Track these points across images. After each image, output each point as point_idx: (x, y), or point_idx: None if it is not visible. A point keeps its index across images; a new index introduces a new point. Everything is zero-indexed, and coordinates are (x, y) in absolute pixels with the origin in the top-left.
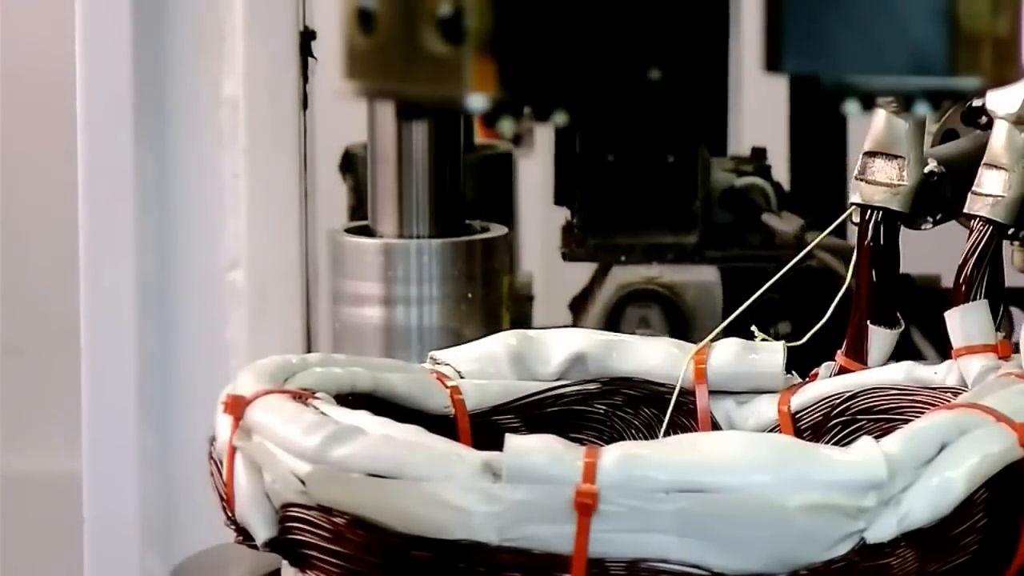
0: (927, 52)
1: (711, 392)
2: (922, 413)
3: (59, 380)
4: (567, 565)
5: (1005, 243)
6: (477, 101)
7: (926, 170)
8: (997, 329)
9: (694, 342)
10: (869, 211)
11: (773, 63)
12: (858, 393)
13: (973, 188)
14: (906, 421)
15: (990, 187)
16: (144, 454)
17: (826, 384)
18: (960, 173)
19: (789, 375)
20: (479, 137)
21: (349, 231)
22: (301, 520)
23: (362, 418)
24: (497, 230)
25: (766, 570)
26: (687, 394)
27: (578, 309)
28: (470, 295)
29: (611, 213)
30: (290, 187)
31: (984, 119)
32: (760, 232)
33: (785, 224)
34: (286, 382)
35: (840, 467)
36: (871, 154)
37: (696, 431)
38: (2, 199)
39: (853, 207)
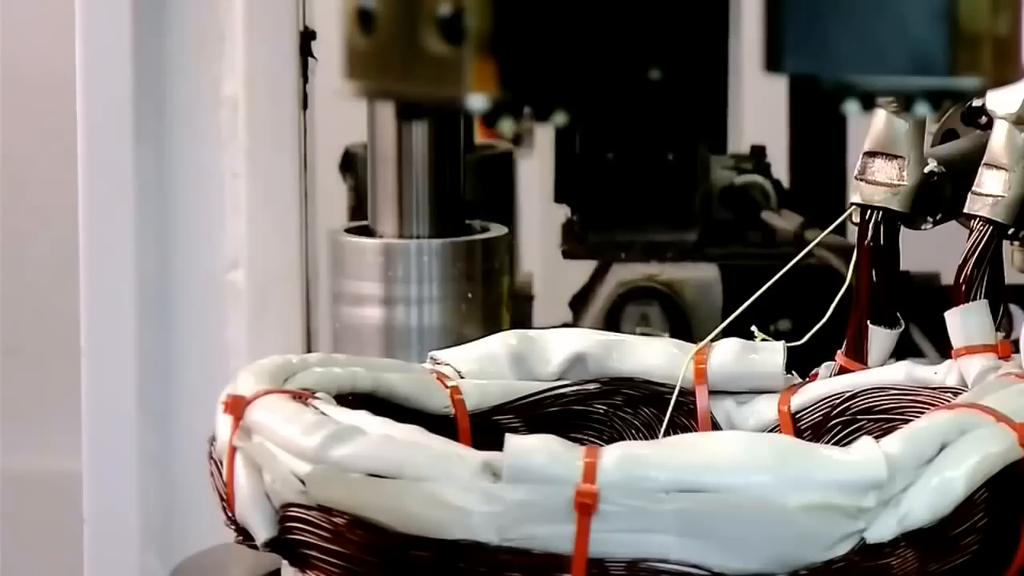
0: (927, 52)
1: (711, 392)
2: (922, 413)
3: (59, 380)
4: (567, 565)
5: (1005, 243)
6: (477, 101)
7: (926, 170)
8: (997, 329)
9: (694, 339)
10: (869, 211)
11: (773, 63)
12: (858, 393)
13: (973, 188)
14: (906, 421)
15: (990, 187)
16: (144, 454)
17: (826, 384)
18: (960, 173)
19: (789, 375)
20: (479, 137)
21: (349, 231)
22: (301, 520)
23: (362, 418)
24: (497, 230)
25: (766, 570)
26: (687, 394)
27: (578, 307)
28: (470, 295)
29: (611, 211)
30: (290, 187)
31: (984, 119)
32: (760, 230)
33: (785, 222)
34: (286, 382)
35: (840, 467)
36: (871, 154)
37: (696, 431)
38: (2, 199)
39: (853, 207)
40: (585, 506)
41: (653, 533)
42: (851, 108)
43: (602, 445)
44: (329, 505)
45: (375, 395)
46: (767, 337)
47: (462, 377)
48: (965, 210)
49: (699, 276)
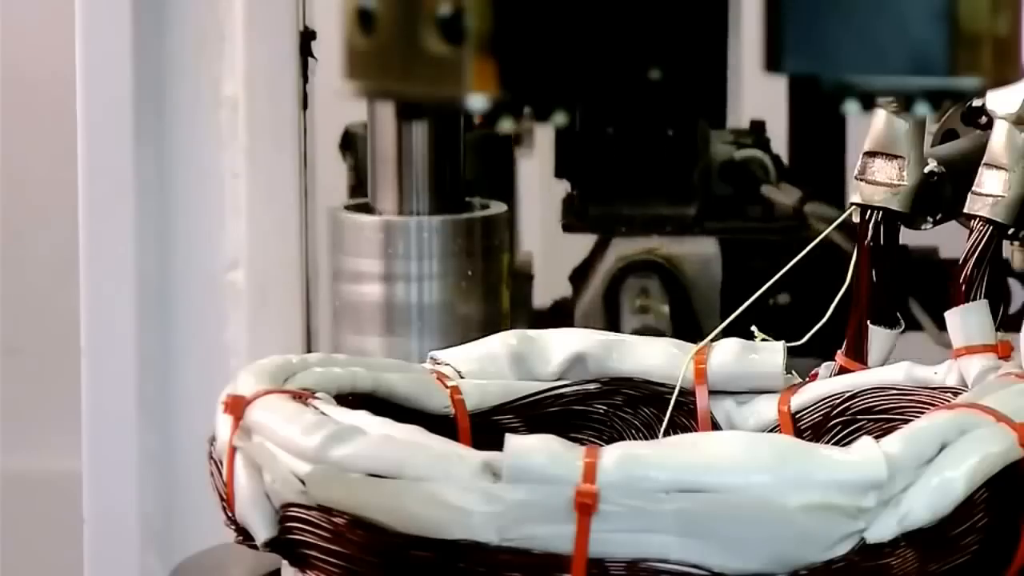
0: (927, 52)
1: (711, 392)
2: (922, 413)
3: (59, 380)
4: (567, 565)
5: (1005, 243)
6: (477, 101)
7: (926, 170)
8: (997, 328)
9: (694, 312)
10: (869, 211)
11: (773, 63)
12: (858, 393)
13: (973, 188)
14: (906, 421)
15: (990, 187)
16: (144, 454)
17: (826, 384)
18: (960, 173)
19: (789, 375)
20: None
21: (349, 208)
22: (301, 520)
23: (362, 418)
24: (497, 207)
25: (766, 570)
26: (687, 394)
27: (578, 282)
28: (470, 272)
29: (611, 185)
30: (290, 187)
31: (984, 119)
32: (759, 204)
33: (784, 196)
34: (286, 382)
35: (840, 467)
36: (871, 154)
37: (696, 431)
38: (2, 199)
39: (853, 207)
40: (585, 506)
41: (653, 533)
42: (851, 108)
43: (602, 445)
44: (329, 505)
45: (375, 395)
46: (767, 337)
47: (462, 377)
48: (965, 210)
49: (699, 250)
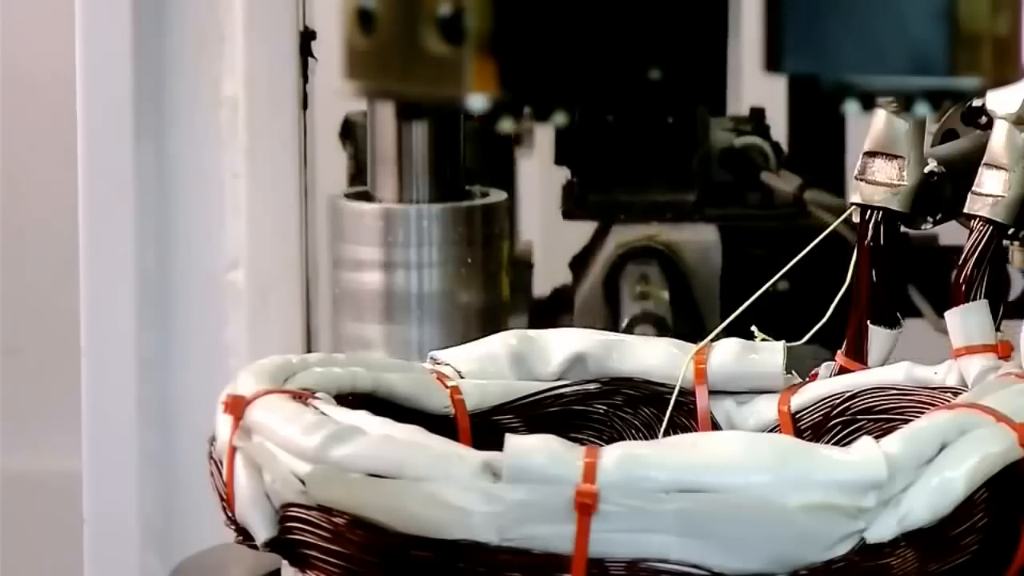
0: (927, 52)
1: (711, 392)
2: (922, 413)
3: (59, 380)
4: (567, 565)
5: (1005, 242)
6: (477, 101)
7: (926, 170)
8: (997, 328)
9: (693, 299)
10: (869, 211)
11: (773, 63)
12: (858, 393)
13: (973, 188)
14: (906, 421)
15: (990, 187)
16: (144, 454)
17: (826, 384)
18: (960, 173)
19: (789, 375)
20: None
21: (349, 196)
22: (301, 520)
23: (362, 418)
24: (497, 195)
25: (766, 570)
26: (687, 394)
27: (578, 268)
28: (470, 260)
29: (611, 172)
30: (290, 187)
31: (984, 119)
32: (759, 191)
33: (784, 183)
34: (286, 382)
35: (840, 467)
36: (871, 154)
37: (696, 431)
38: (2, 199)
39: (853, 207)
40: (585, 506)
41: (653, 533)
42: (851, 108)
43: (602, 445)
44: (329, 505)
45: (375, 395)
46: (767, 337)
47: (462, 377)
48: (965, 210)
49: (698, 237)
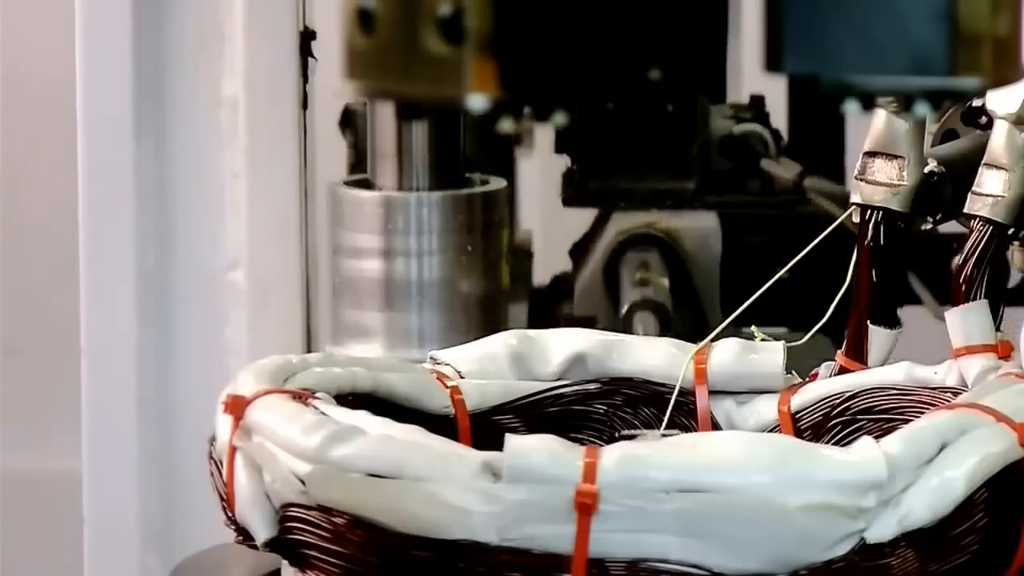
0: (927, 52)
1: (711, 392)
2: (922, 413)
3: (59, 380)
4: (567, 565)
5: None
6: (477, 101)
7: (926, 170)
8: (997, 328)
9: (693, 286)
10: (869, 211)
11: (773, 63)
12: (858, 393)
13: (973, 188)
14: (906, 421)
15: (990, 187)
16: (144, 454)
17: (826, 384)
18: (960, 173)
19: (789, 375)
20: None
21: (348, 184)
22: (301, 520)
23: (362, 418)
24: (497, 183)
25: (766, 570)
26: (687, 394)
27: (578, 256)
28: (470, 248)
29: (611, 160)
30: (290, 187)
31: (984, 119)
32: (759, 178)
33: (783, 170)
34: (286, 382)
35: (840, 467)
36: (871, 154)
37: (696, 431)
38: (2, 199)
39: (853, 207)
40: (585, 506)
41: (653, 533)
42: (851, 108)
43: (602, 445)
44: (329, 505)
45: (375, 395)
46: (767, 337)
47: (462, 377)
48: (965, 210)
49: (698, 224)
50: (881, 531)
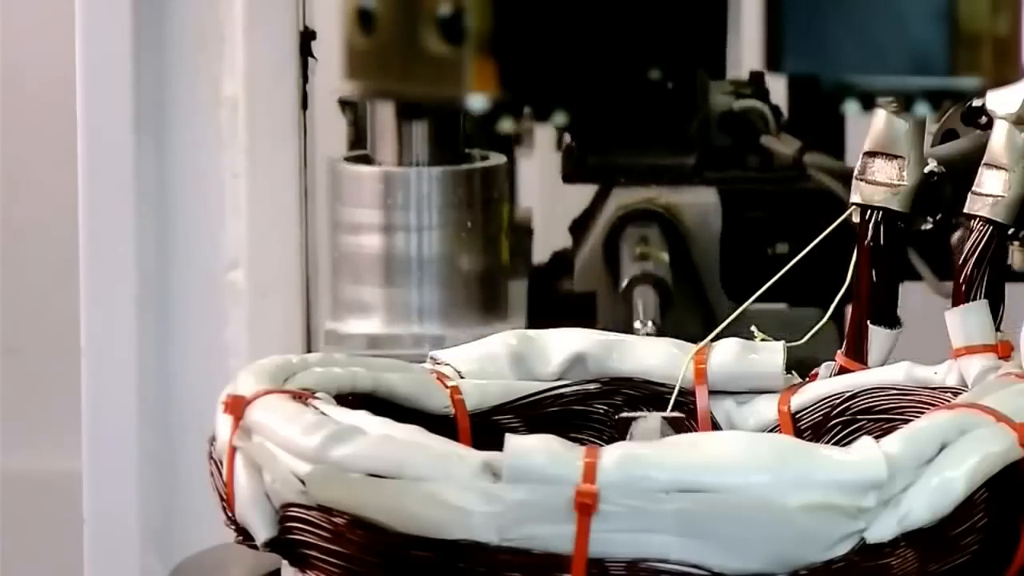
0: (927, 52)
1: (711, 392)
2: (922, 413)
3: (59, 380)
4: (567, 565)
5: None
6: (477, 101)
7: (926, 170)
8: (997, 328)
9: (693, 262)
10: (869, 211)
11: (773, 63)
12: (858, 393)
13: (973, 188)
14: (906, 421)
15: (990, 187)
16: (144, 454)
17: (826, 384)
18: (960, 173)
19: (789, 375)
20: None
21: (348, 160)
22: (301, 520)
23: (362, 418)
24: (496, 159)
25: (766, 570)
26: (687, 394)
27: (578, 232)
28: (469, 223)
29: (611, 136)
30: (290, 187)
31: (984, 119)
32: (758, 154)
33: (783, 146)
34: (286, 382)
35: (840, 467)
36: (871, 154)
37: (696, 431)
38: (2, 199)
39: (853, 207)
40: (585, 506)
41: (653, 533)
42: (851, 108)
43: (602, 445)
44: (329, 505)
45: (375, 395)
46: (767, 337)
47: (462, 377)
48: (965, 210)
49: (698, 200)
50: (881, 531)
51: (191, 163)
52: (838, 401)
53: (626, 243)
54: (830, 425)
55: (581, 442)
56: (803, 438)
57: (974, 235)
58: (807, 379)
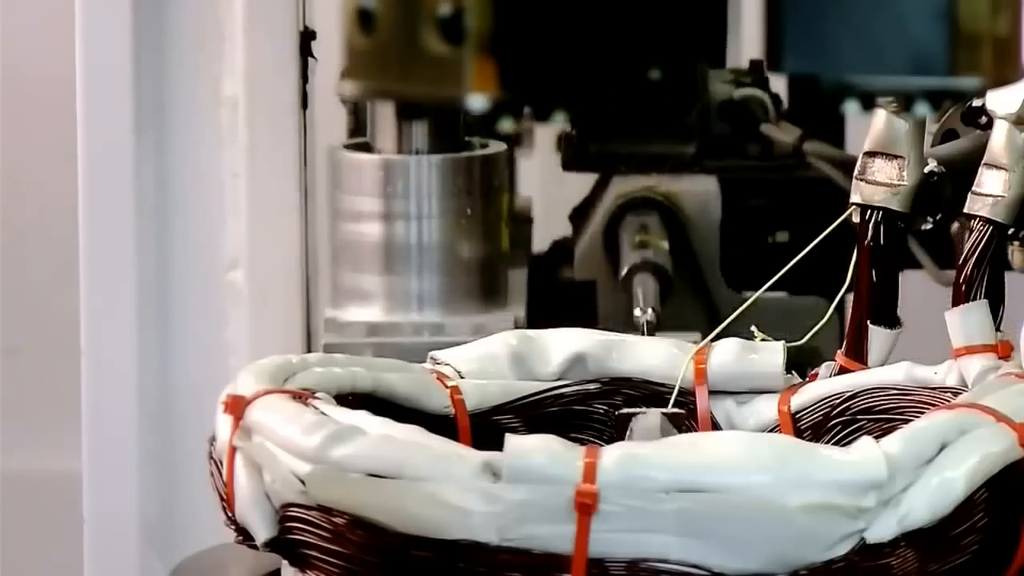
0: (927, 52)
1: (711, 392)
2: (922, 413)
3: (59, 380)
4: (567, 565)
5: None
6: (477, 101)
7: (926, 170)
8: (997, 328)
9: (692, 250)
10: (869, 211)
11: (773, 63)
12: (858, 393)
13: (973, 188)
14: (906, 421)
15: (990, 187)
16: (144, 454)
17: (826, 384)
18: (960, 173)
19: (789, 375)
20: None
21: (348, 147)
22: (301, 520)
23: (362, 418)
24: (496, 147)
25: (766, 570)
26: (687, 394)
27: (578, 221)
28: (469, 211)
29: (611, 124)
30: (290, 187)
31: (984, 119)
32: (758, 142)
33: (783, 134)
34: (286, 382)
35: (840, 467)
36: (871, 154)
37: (696, 431)
38: (2, 199)
39: (853, 207)
40: (585, 506)
41: (653, 533)
42: (851, 108)
43: (602, 445)
44: (329, 505)
45: (375, 395)
46: (767, 337)
47: (462, 377)
48: (965, 210)
49: (698, 188)
50: (881, 531)
51: (191, 163)
52: (838, 401)
53: (626, 231)
54: (830, 425)
55: (581, 442)
56: (803, 438)
57: (974, 235)
58: (807, 379)
